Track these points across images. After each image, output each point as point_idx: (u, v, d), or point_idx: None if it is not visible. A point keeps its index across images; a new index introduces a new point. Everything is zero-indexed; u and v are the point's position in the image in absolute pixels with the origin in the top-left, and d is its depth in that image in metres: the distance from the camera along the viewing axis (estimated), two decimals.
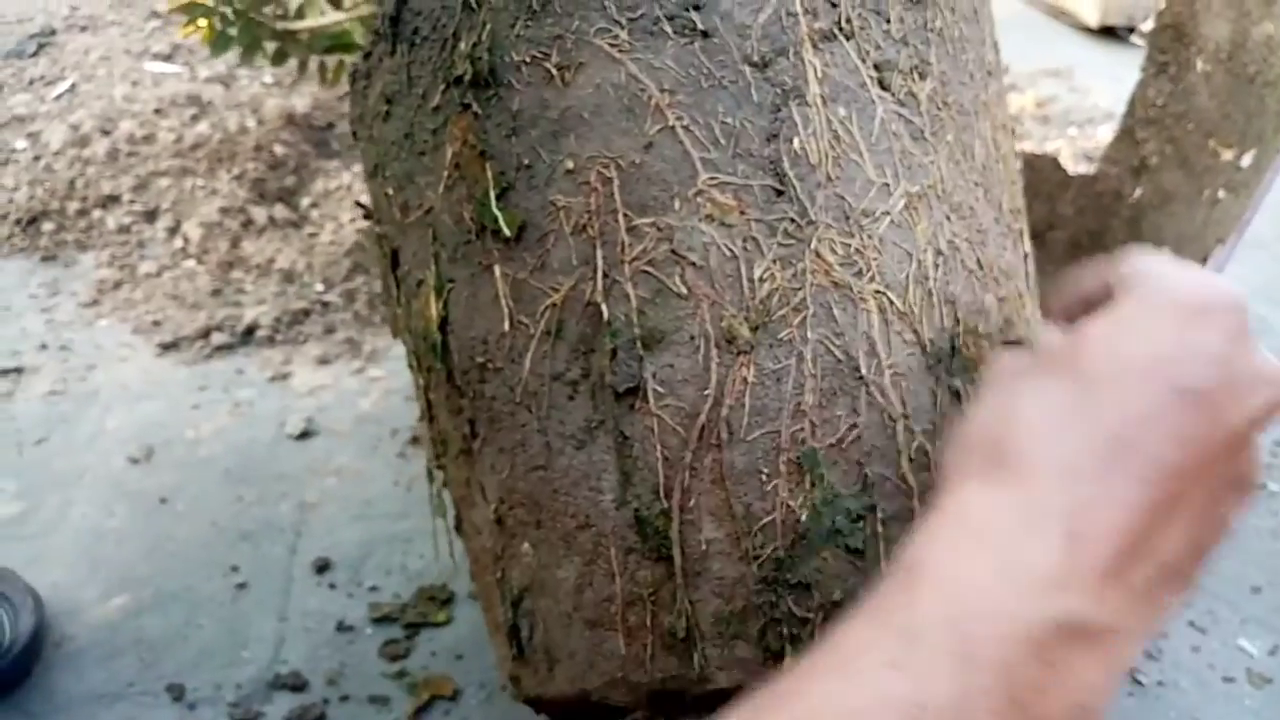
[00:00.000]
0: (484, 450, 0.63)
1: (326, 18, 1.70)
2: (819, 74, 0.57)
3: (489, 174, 0.59)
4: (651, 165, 0.56)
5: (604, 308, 0.56)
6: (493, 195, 0.59)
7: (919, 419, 0.56)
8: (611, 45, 0.56)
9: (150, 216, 1.96)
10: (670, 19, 0.56)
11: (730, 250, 0.55)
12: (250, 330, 1.72)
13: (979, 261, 0.60)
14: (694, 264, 0.55)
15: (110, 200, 1.97)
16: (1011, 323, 0.62)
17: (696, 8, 0.56)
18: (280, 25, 1.71)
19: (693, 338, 0.55)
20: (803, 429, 0.54)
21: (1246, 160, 1.12)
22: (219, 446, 1.51)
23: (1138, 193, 1.28)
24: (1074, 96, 2.69)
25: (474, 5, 0.59)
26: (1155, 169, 1.28)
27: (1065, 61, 2.87)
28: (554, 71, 0.57)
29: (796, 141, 0.56)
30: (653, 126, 0.56)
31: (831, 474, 0.54)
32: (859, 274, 0.55)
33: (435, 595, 1.28)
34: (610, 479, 0.56)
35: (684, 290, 0.55)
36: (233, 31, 1.69)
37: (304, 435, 1.53)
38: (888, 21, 0.60)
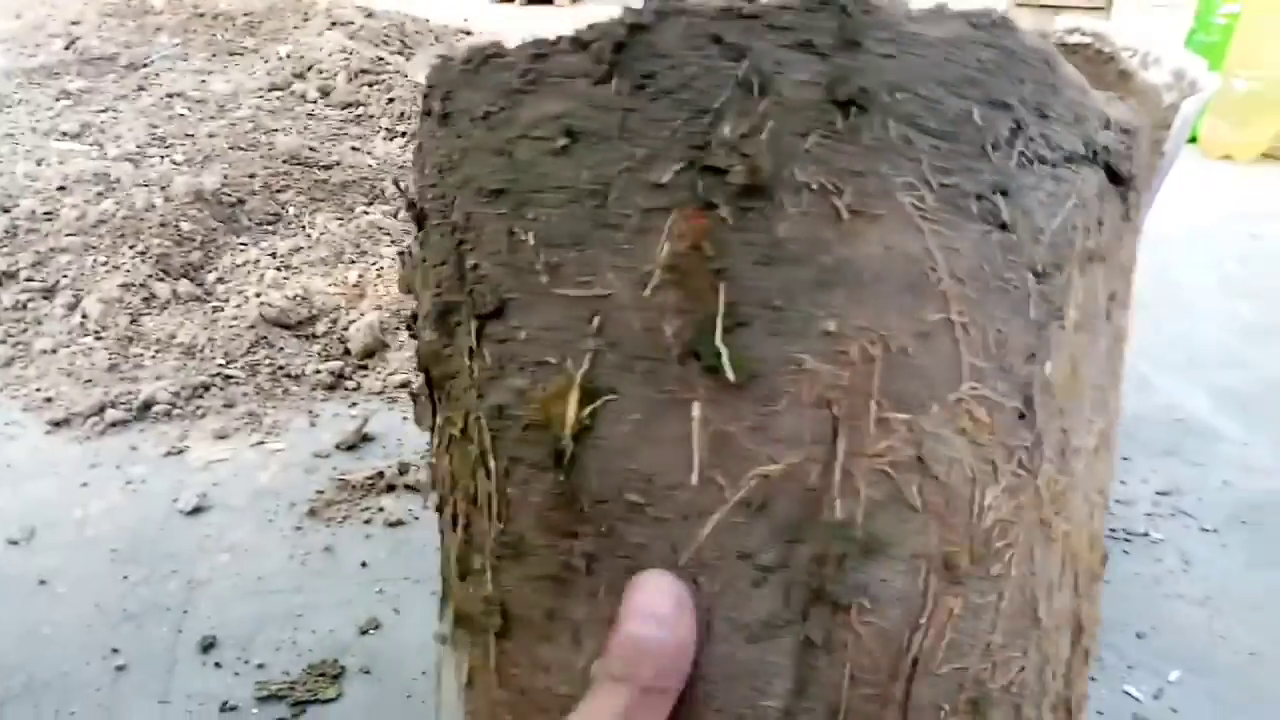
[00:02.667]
0: (603, 596, 0.54)
1: None
2: (1078, 298, 0.54)
3: (721, 299, 0.50)
4: (921, 357, 0.49)
5: (837, 502, 0.50)
6: (720, 326, 0.50)
7: (1059, 662, 0.55)
8: (916, 207, 0.49)
9: (48, 293, 1.92)
10: (979, 198, 0.50)
11: (971, 470, 0.50)
12: (147, 405, 1.69)
13: (1108, 504, 0.60)
14: (935, 477, 0.50)
15: (6, 277, 1.93)
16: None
17: (1004, 193, 0.50)
18: None
19: (914, 557, 0.50)
20: (986, 669, 0.52)
21: None
22: (107, 525, 1.46)
23: None
24: None
25: (755, 88, 0.49)
26: None
27: None
28: (843, 212, 0.49)
29: (1049, 366, 0.52)
30: (933, 314, 0.49)
31: (995, 714, 0.52)
32: (1058, 512, 0.53)
33: (326, 671, 1.24)
34: (782, 685, 0.51)
35: (918, 504, 0.50)
36: None
37: (197, 511, 1.50)
38: (1122, 246, 0.57)
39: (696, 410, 0.50)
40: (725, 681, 0.51)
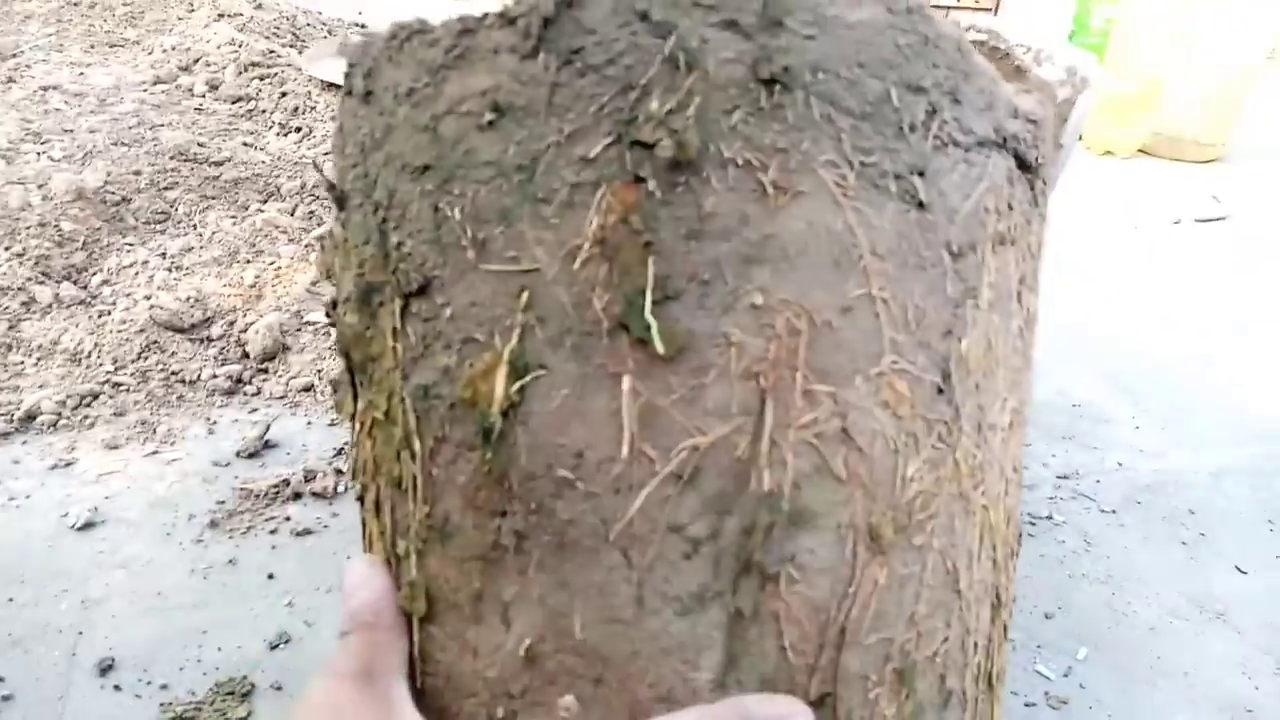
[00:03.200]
0: (533, 574, 0.54)
1: None
2: (991, 277, 0.55)
3: (650, 272, 0.50)
4: (844, 331, 0.51)
5: (765, 473, 0.50)
6: (649, 299, 0.50)
7: (979, 634, 0.56)
8: (838, 185, 0.50)
9: None
10: (897, 177, 0.51)
11: (894, 443, 0.51)
12: (30, 416, 1.59)
13: (1021, 480, 0.61)
14: (859, 449, 0.51)
15: None
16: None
17: (920, 174, 0.52)
18: None
19: (840, 526, 0.51)
20: (910, 639, 0.52)
21: None
22: None
23: None
24: None
25: (682, 65, 0.50)
26: None
27: None
28: (769, 187, 0.50)
29: (964, 343, 0.53)
30: (855, 289, 0.51)
31: (920, 685, 0.53)
32: (976, 486, 0.54)
33: (234, 689, 1.19)
34: (713, 657, 0.51)
35: (844, 474, 0.51)
36: None
37: (88, 526, 1.41)
38: (1031, 231, 0.59)
39: (627, 383, 0.50)
40: (657, 655, 0.50)
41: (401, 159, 0.56)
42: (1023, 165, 0.57)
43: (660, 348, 0.49)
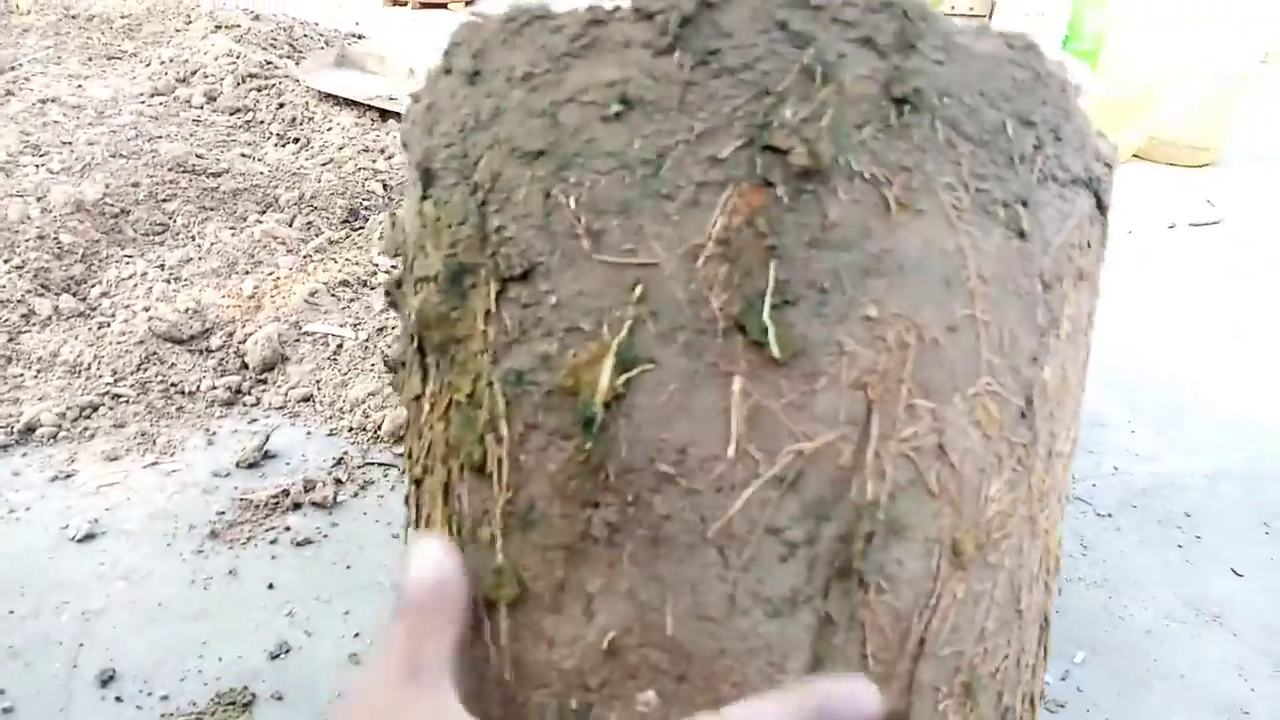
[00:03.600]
0: (624, 567, 0.54)
1: None
2: (1071, 310, 0.56)
3: (771, 275, 0.50)
4: (948, 349, 0.51)
5: (867, 483, 0.51)
6: (768, 302, 0.51)
7: (1030, 654, 0.56)
8: (954, 207, 0.51)
9: None
10: (1005, 205, 0.53)
11: (981, 462, 0.52)
12: (30, 429, 1.60)
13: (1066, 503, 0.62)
14: (952, 465, 0.51)
15: None
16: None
17: (1025, 204, 0.53)
18: None
19: (928, 540, 0.52)
20: (979, 654, 0.53)
21: None
22: None
23: None
24: None
25: (818, 76, 0.50)
26: None
27: None
28: (891, 203, 0.51)
29: (1047, 371, 0.54)
30: (961, 310, 0.51)
31: (983, 699, 0.54)
32: (1043, 510, 0.55)
33: (235, 699, 1.19)
34: (800, 659, 0.51)
35: (936, 489, 0.51)
36: None
37: (88, 538, 1.42)
38: (1099, 270, 0.60)
39: (738, 384, 0.50)
40: (744, 656, 0.51)
41: (511, 142, 0.56)
42: (1100, 206, 0.60)
43: (776, 351, 0.49)
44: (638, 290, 0.53)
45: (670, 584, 0.52)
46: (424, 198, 0.62)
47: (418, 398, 0.63)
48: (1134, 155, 4.18)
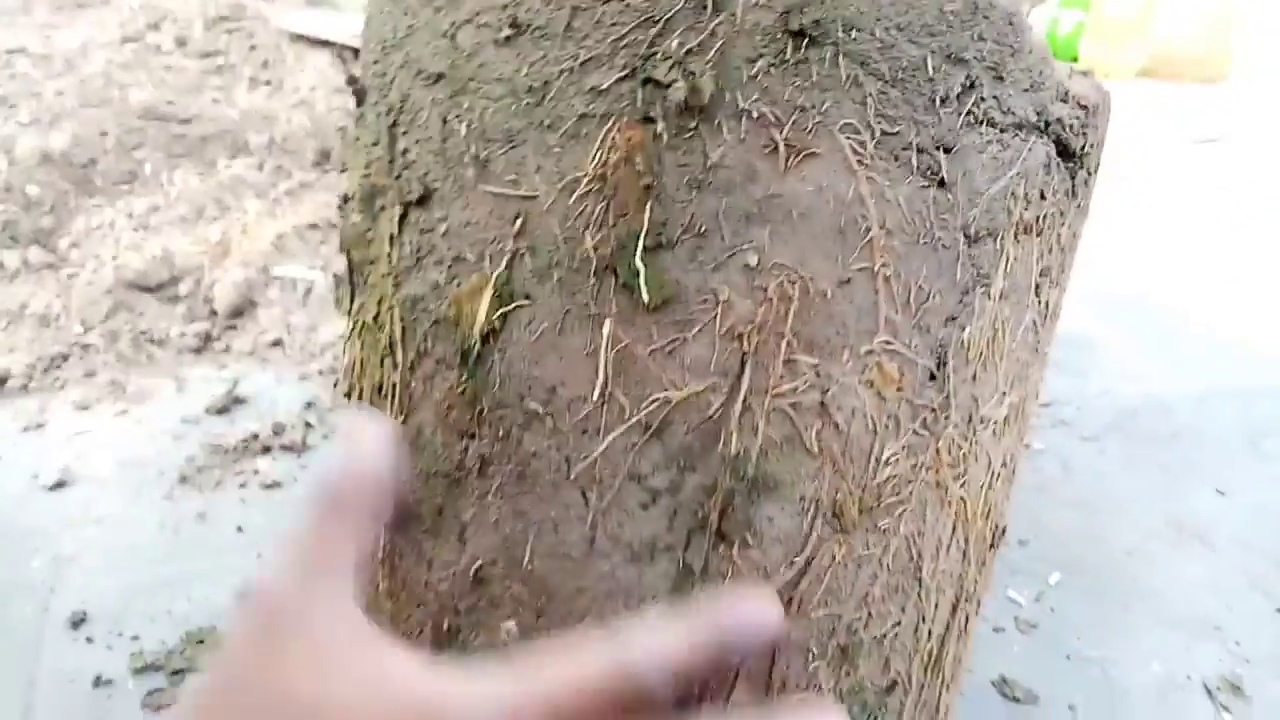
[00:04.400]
0: (491, 499, 0.53)
1: None
2: (1009, 267, 0.53)
3: (646, 216, 0.48)
4: (838, 303, 0.48)
5: (734, 436, 0.49)
6: (642, 244, 0.48)
7: (936, 623, 0.55)
8: (855, 151, 0.47)
9: None
10: (920, 151, 0.48)
11: (873, 423, 0.50)
12: (0, 380, 1.59)
13: (1014, 476, 0.59)
14: (836, 425, 0.49)
15: None
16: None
17: (947, 150, 0.49)
18: None
19: (803, 499, 0.50)
20: (860, 618, 0.52)
21: None
22: None
23: None
24: None
25: (709, 4, 0.47)
26: None
27: None
28: (781, 145, 0.47)
29: (968, 331, 0.51)
30: (857, 262, 0.48)
31: (865, 664, 0.52)
32: (956, 477, 0.53)
33: (204, 638, 1.19)
34: (656, 607, 0.51)
35: (816, 448, 0.49)
36: None
37: (60, 485, 1.42)
38: (1064, 222, 0.56)
39: (607, 327, 0.49)
40: (602, 597, 0.51)
41: (418, 64, 0.54)
42: (1064, 152, 0.55)
43: (646, 296, 0.48)
44: (518, 223, 0.51)
45: (534, 520, 0.52)
46: (353, 114, 0.60)
47: (347, 314, 0.63)
48: (1140, 72, 4.08)
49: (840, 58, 0.48)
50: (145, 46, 2.92)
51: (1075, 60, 4.01)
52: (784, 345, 0.49)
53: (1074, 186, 0.57)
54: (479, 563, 0.53)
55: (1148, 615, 1.29)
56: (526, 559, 0.52)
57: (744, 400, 0.49)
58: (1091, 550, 1.41)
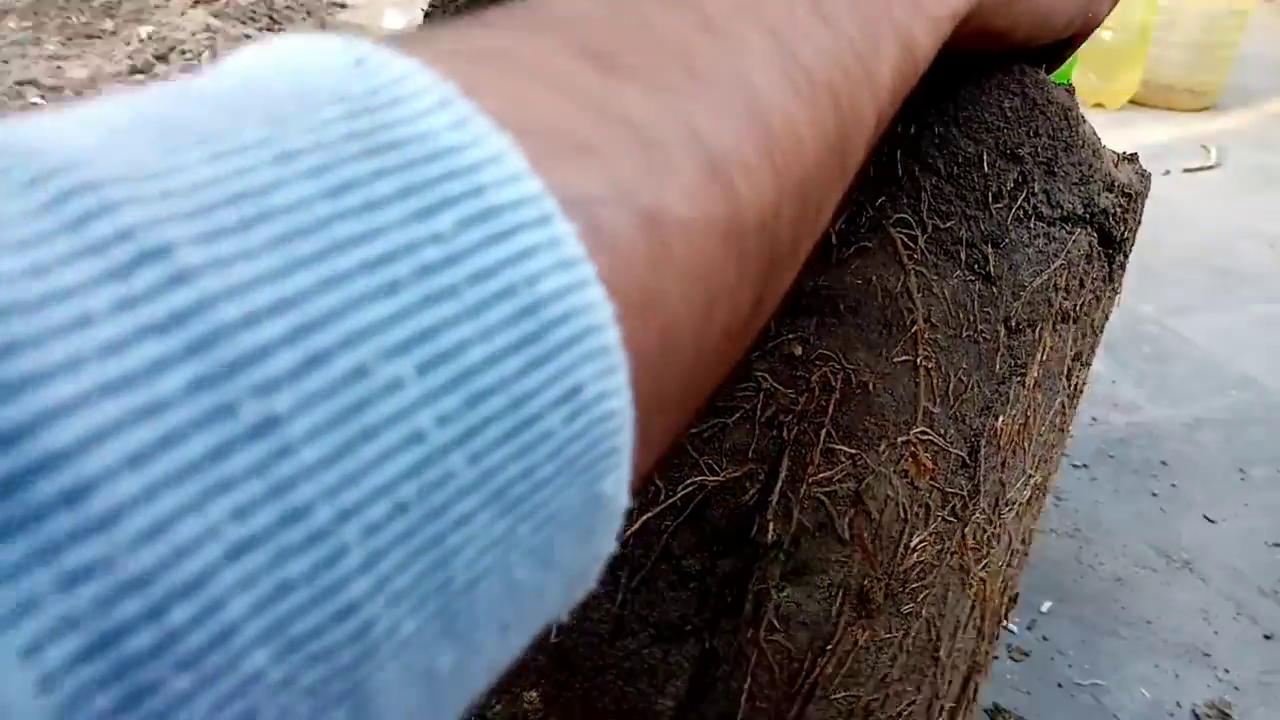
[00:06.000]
0: None
1: None
2: (1044, 356, 0.53)
3: None
4: (879, 395, 0.49)
5: (770, 527, 0.50)
6: None
7: (948, 698, 0.55)
8: (906, 246, 0.48)
9: None
10: (969, 245, 0.49)
11: (905, 511, 0.50)
12: None
13: (1028, 550, 0.59)
14: (869, 514, 0.50)
15: None
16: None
17: (995, 245, 0.49)
18: None
19: (831, 586, 0.50)
20: (877, 700, 0.52)
21: None
22: None
23: None
24: None
25: None
26: None
27: None
28: (832, 238, 0.49)
29: (1001, 420, 0.52)
30: (900, 355, 0.49)
31: None
32: (979, 560, 0.54)
33: None
34: (678, 687, 0.51)
35: (846, 536, 0.50)
36: None
37: None
38: (1099, 307, 0.57)
39: None
40: (626, 675, 0.51)
41: None
42: (1105, 241, 0.56)
43: None
44: None
45: None
46: None
47: None
48: (1130, 101, 4.12)
49: (897, 152, 0.48)
50: (154, 79, 2.96)
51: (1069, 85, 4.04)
52: (823, 434, 0.49)
53: (1111, 272, 0.58)
54: None
55: (1138, 642, 1.31)
56: (553, 631, 0.53)
57: (780, 488, 0.50)
58: (1083, 578, 1.44)
